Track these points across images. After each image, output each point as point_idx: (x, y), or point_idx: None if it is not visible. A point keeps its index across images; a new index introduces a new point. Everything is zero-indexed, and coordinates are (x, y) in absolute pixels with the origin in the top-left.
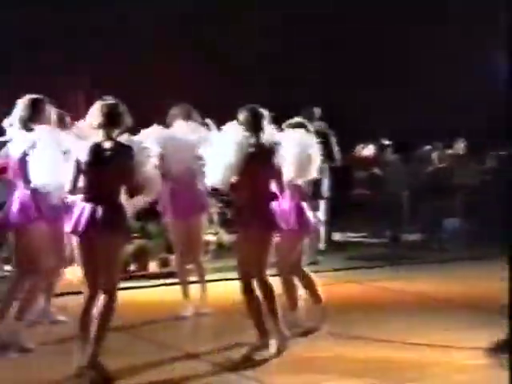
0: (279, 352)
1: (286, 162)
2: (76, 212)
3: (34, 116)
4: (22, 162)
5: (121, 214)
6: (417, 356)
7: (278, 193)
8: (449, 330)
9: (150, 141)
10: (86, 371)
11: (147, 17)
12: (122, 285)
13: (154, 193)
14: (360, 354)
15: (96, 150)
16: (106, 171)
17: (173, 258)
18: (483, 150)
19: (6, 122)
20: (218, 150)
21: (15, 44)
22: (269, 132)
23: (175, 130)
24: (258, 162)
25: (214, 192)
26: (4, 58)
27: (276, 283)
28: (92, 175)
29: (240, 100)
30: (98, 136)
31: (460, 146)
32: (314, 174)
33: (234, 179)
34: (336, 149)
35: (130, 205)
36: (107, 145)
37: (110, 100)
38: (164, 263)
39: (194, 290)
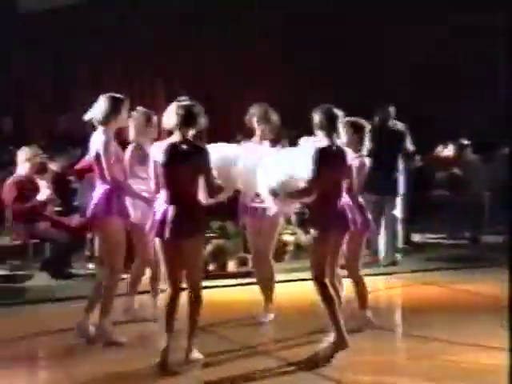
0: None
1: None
2: (157, 214)
3: (111, 114)
4: (98, 158)
5: (200, 214)
6: (497, 360)
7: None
8: None
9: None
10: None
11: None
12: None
13: (231, 192)
14: (438, 357)
15: (172, 150)
16: (182, 171)
17: (250, 257)
18: None
19: (85, 117)
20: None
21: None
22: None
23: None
24: (335, 163)
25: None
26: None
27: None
28: (169, 176)
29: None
30: (174, 137)
31: None
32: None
33: (305, 183)
34: (412, 148)
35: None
36: (183, 145)
37: (185, 101)
38: (242, 262)
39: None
